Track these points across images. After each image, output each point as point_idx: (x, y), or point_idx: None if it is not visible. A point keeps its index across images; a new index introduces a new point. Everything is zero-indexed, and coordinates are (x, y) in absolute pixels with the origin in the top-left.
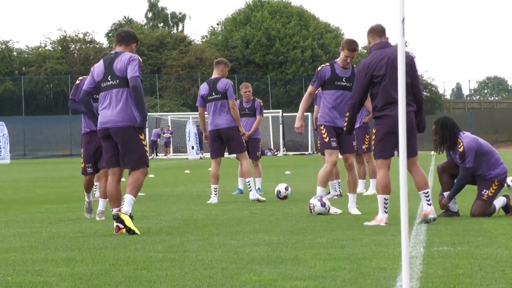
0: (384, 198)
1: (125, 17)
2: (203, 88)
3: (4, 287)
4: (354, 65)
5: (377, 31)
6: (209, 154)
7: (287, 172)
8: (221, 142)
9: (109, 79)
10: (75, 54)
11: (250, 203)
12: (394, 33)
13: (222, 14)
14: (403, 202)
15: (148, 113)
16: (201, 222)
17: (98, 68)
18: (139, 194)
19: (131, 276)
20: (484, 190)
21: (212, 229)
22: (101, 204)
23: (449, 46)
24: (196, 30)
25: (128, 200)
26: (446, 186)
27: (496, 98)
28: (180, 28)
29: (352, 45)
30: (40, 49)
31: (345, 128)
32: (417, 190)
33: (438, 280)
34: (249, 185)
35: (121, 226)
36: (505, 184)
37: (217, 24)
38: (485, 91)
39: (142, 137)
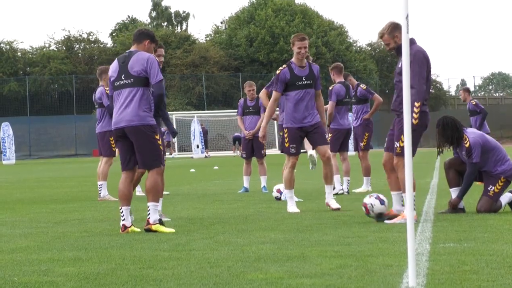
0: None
1: (129, 17)
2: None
3: (11, 287)
4: (310, 62)
5: (400, 28)
6: (213, 153)
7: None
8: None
9: (123, 78)
10: (80, 54)
11: (256, 201)
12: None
13: (226, 12)
14: (409, 199)
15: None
16: (207, 220)
17: (112, 67)
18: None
19: (137, 275)
20: (490, 186)
21: (218, 227)
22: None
23: (453, 43)
24: (200, 29)
25: (152, 209)
26: (453, 182)
27: (501, 94)
28: (184, 27)
29: (300, 35)
30: (44, 49)
31: (416, 121)
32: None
33: (445, 276)
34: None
35: (127, 225)
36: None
37: (221, 22)
38: (490, 87)
39: (157, 136)
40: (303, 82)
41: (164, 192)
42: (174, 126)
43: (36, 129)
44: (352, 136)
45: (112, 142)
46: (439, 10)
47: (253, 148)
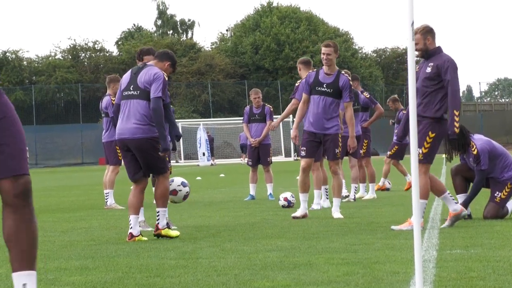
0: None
1: (134, 25)
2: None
3: None
4: (343, 72)
5: (435, 34)
6: (219, 160)
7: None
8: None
9: (131, 89)
10: (85, 63)
11: (262, 208)
12: (403, 37)
13: (231, 20)
14: (415, 205)
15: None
16: (213, 228)
17: (125, 77)
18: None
19: (144, 284)
20: (497, 193)
21: (224, 235)
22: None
23: (459, 49)
24: (205, 37)
25: (162, 214)
26: (460, 189)
27: (507, 100)
28: (189, 35)
29: (326, 42)
30: (50, 58)
31: (457, 130)
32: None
33: (452, 283)
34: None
35: (134, 233)
36: None
37: (226, 30)
38: (496, 93)
39: (159, 146)
40: (322, 89)
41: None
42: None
43: (43, 138)
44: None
45: (119, 151)
46: (444, 16)
47: (259, 155)
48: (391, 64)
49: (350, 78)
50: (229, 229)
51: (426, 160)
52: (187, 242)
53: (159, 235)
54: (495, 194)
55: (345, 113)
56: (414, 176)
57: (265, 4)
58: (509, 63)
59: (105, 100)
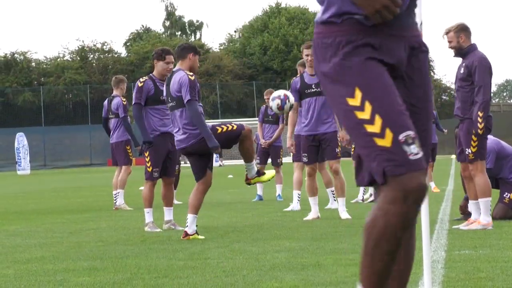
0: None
1: (143, 26)
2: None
3: None
4: None
5: (470, 32)
6: (228, 161)
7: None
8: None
9: (170, 100)
10: (94, 64)
11: (270, 209)
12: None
13: (240, 21)
14: (424, 206)
15: None
16: (222, 229)
17: (165, 88)
18: (177, 202)
19: (152, 285)
20: (506, 193)
21: (232, 236)
22: (167, 214)
23: None
24: (213, 38)
25: (191, 220)
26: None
27: None
28: (197, 36)
29: (307, 42)
30: (58, 60)
31: (482, 131)
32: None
33: (460, 283)
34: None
35: (188, 232)
36: None
37: (235, 31)
38: (504, 94)
39: (219, 150)
40: (312, 90)
41: (177, 202)
42: None
43: (51, 139)
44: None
45: (129, 151)
46: (452, 16)
47: (268, 155)
48: None
49: None
50: (237, 230)
51: (477, 158)
52: (195, 243)
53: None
54: (504, 195)
55: None
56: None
57: (273, 5)
58: None
59: (115, 102)
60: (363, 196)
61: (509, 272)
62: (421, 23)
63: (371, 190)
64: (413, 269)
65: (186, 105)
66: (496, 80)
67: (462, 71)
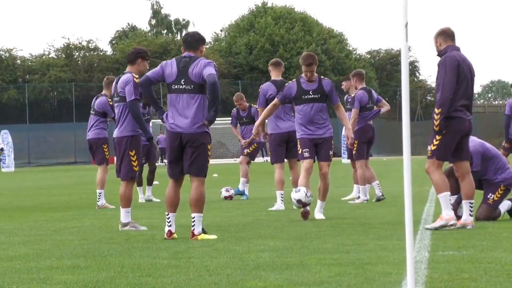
0: (449, 195)
1: (128, 24)
2: (270, 89)
3: None
4: (322, 76)
5: (449, 34)
6: (213, 160)
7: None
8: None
9: (183, 83)
10: (79, 62)
11: (255, 209)
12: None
13: (226, 20)
14: (407, 206)
15: (153, 120)
16: (206, 228)
17: (170, 68)
18: (155, 200)
19: (136, 283)
20: (490, 194)
21: (217, 235)
22: (123, 215)
23: None
24: None
25: (198, 220)
26: (453, 189)
27: (500, 102)
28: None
29: (307, 60)
30: (43, 57)
31: (437, 128)
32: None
33: (443, 284)
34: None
35: (172, 230)
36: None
37: (221, 30)
38: (489, 95)
39: (209, 147)
40: (310, 96)
41: (155, 199)
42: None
43: (36, 137)
44: (345, 144)
45: (106, 150)
46: (438, 18)
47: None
48: (385, 65)
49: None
50: (221, 229)
51: (435, 155)
52: (179, 241)
53: (195, 239)
54: (488, 196)
55: (336, 113)
56: (406, 177)
57: (260, 5)
58: (503, 65)
59: (101, 102)
60: (381, 192)
61: (492, 273)
62: (406, 24)
63: (354, 193)
64: (396, 269)
65: (211, 76)
66: (481, 81)
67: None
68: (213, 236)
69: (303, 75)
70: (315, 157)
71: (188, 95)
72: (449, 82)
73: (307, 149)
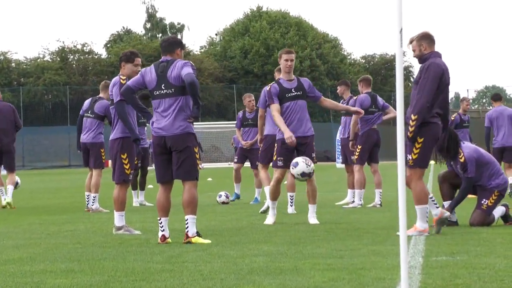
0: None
1: (123, 28)
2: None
3: None
4: (299, 77)
5: (433, 40)
6: (207, 164)
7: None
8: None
9: (163, 88)
10: (74, 65)
11: (249, 213)
12: (392, 43)
13: (221, 24)
14: (401, 212)
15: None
16: (200, 232)
17: (149, 74)
18: (148, 204)
19: (130, 287)
20: (484, 200)
21: (211, 239)
22: (117, 219)
23: (447, 56)
24: (194, 41)
25: (191, 222)
26: (447, 196)
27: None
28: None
29: (286, 49)
30: (38, 60)
31: (411, 135)
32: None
33: None
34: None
35: (166, 235)
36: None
37: (216, 34)
38: (484, 100)
39: (196, 149)
40: (293, 94)
41: (148, 204)
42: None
43: (30, 140)
44: (339, 148)
45: (103, 154)
46: (433, 23)
47: (247, 158)
48: (379, 70)
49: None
50: (215, 234)
51: (416, 165)
52: (173, 246)
53: (188, 242)
54: (482, 202)
55: (325, 105)
56: (400, 182)
57: (255, 9)
58: (498, 70)
59: (102, 104)
60: (380, 200)
61: (486, 279)
62: (401, 30)
63: (349, 197)
64: (390, 275)
65: (189, 76)
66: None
67: (417, 76)
68: (207, 241)
69: (281, 75)
70: (289, 164)
71: (169, 99)
72: (430, 90)
73: (282, 158)
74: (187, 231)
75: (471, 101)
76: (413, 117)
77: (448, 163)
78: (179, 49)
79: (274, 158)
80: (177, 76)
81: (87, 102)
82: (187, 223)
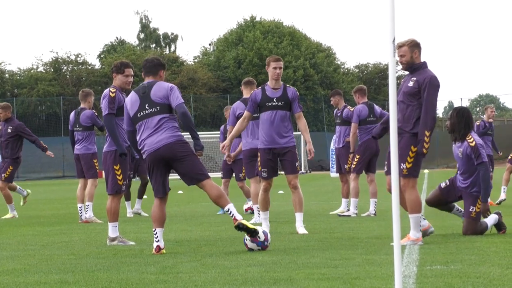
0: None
1: (117, 38)
2: (239, 107)
3: None
4: (288, 85)
5: (421, 49)
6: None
7: (280, 192)
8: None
9: (147, 108)
10: (67, 76)
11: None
12: (385, 53)
13: (214, 34)
14: (395, 221)
15: None
16: (194, 243)
17: (130, 100)
18: (144, 214)
19: None
20: (471, 207)
21: (205, 250)
22: (111, 230)
23: (441, 64)
24: (188, 51)
25: (233, 209)
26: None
27: None
28: (172, 48)
29: (275, 56)
30: (32, 71)
31: (426, 151)
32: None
33: None
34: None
35: (161, 246)
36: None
37: (209, 44)
38: (478, 109)
39: (196, 153)
40: (273, 103)
41: (144, 214)
42: None
43: (24, 151)
44: (334, 158)
45: (96, 163)
46: (426, 32)
47: (232, 169)
48: (373, 79)
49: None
50: (210, 244)
51: (411, 174)
52: (167, 256)
53: (239, 225)
54: (470, 209)
55: (298, 123)
56: (394, 191)
57: (248, 19)
58: (491, 79)
59: (88, 115)
60: (375, 210)
61: (480, 287)
62: (394, 40)
63: (343, 207)
64: (385, 284)
65: (180, 106)
66: (470, 95)
67: (411, 85)
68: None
69: (269, 81)
70: (275, 173)
71: (156, 116)
72: (435, 104)
73: (266, 169)
74: (234, 216)
75: (494, 107)
76: (427, 133)
77: (450, 180)
78: (162, 71)
79: (260, 169)
80: (162, 96)
81: (72, 116)
82: (230, 212)
